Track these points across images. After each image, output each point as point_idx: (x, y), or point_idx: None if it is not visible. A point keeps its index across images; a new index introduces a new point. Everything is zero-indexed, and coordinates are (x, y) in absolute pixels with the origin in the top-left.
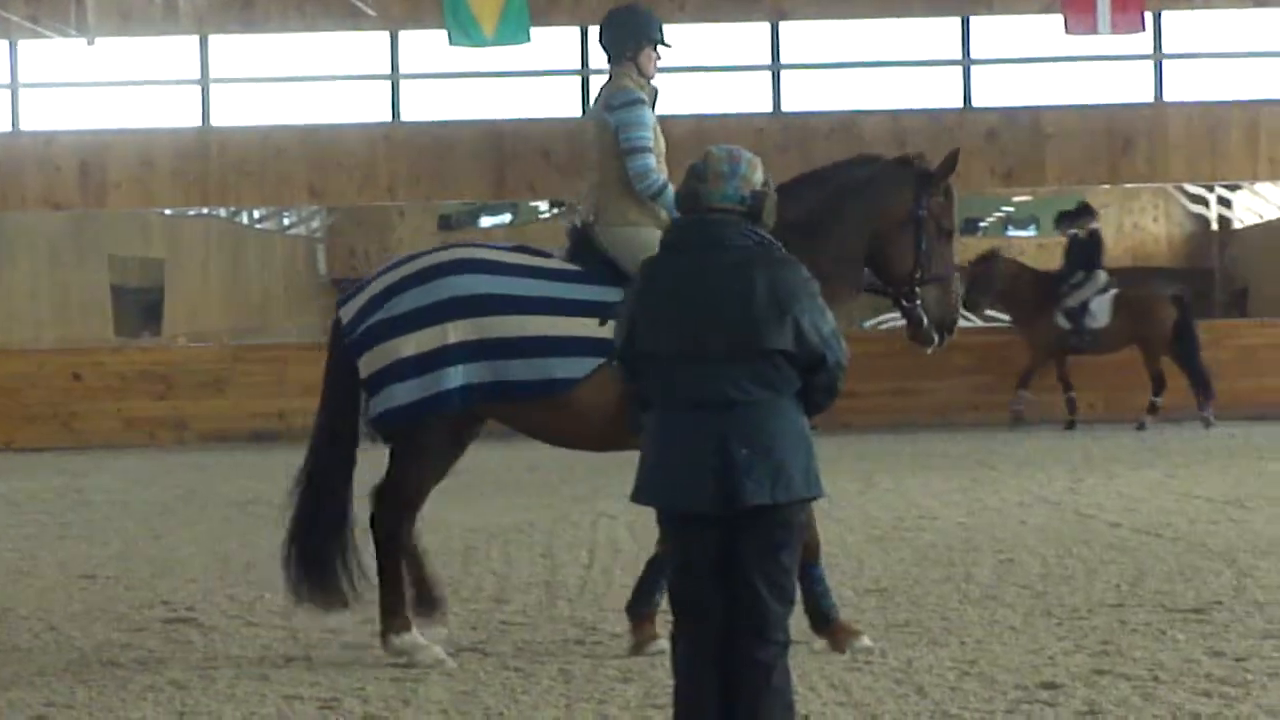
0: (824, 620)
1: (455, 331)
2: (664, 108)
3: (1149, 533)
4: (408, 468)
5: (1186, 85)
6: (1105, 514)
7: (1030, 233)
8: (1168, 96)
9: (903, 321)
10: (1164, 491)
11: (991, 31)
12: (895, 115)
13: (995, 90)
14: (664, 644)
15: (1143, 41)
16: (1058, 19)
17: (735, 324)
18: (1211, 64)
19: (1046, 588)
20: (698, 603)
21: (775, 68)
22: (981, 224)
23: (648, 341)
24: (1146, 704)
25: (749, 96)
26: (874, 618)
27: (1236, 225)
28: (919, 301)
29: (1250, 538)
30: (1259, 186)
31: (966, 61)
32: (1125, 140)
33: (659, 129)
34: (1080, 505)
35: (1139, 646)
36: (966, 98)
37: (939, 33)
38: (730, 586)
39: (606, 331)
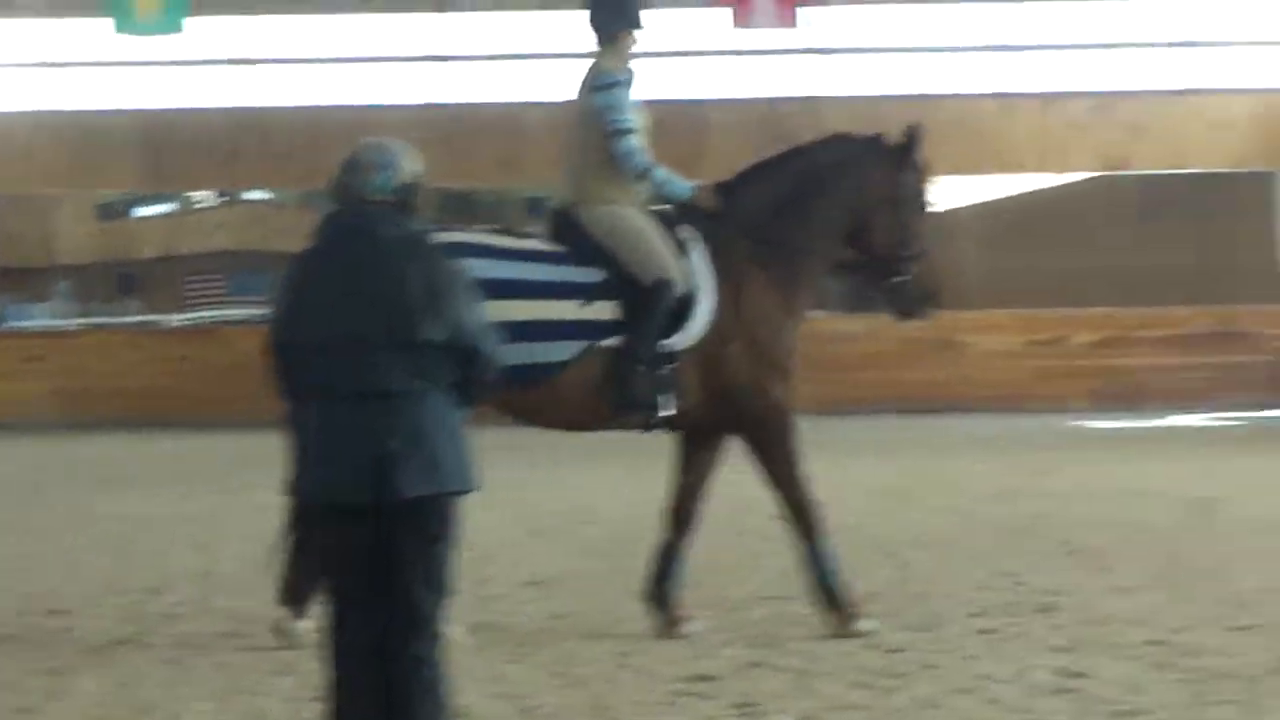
0: (831, 599)
1: None
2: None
3: None
4: None
5: (844, 80)
6: (765, 505)
7: None
8: (824, 91)
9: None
10: (824, 483)
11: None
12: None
13: (658, 84)
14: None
15: (800, 36)
16: (725, 12)
17: (388, 315)
18: (867, 59)
19: (705, 579)
20: (354, 595)
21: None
22: None
23: (302, 333)
24: (801, 695)
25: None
26: (533, 610)
27: None
28: (906, 277)
29: (908, 529)
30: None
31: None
32: (780, 135)
33: (641, 108)
34: (739, 496)
35: (795, 638)
36: None
37: None
38: (386, 579)
39: (590, 313)
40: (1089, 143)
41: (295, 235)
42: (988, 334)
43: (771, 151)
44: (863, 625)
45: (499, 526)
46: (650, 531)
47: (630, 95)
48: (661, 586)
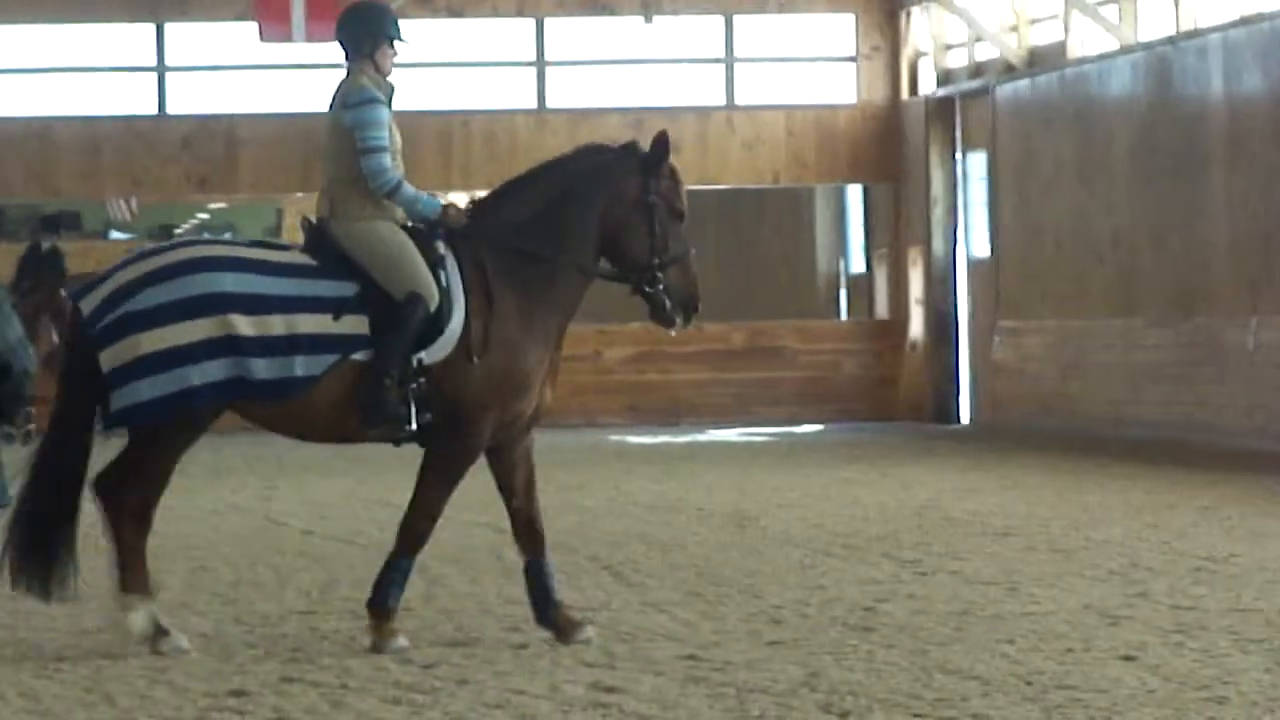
0: (382, 608)
1: (199, 329)
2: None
3: (341, 540)
4: (150, 455)
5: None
6: (297, 521)
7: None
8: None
9: None
10: (355, 499)
11: (187, 38)
12: (89, 121)
13: (190, 97)
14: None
15: (337, 51)
16: (253, 26)
17: None
18: (407, 74)
19: (238, 595)
20: None
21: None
22: (177, 231)
23: None
24: (335, 711)
25: None
26: (64, 625)
27: None
28: (661, 285)
29: (440, 545)
30: (452, 196)
31: (161, 68)
32: (320, 149)
33: (395, 126)
34: (273, 512)
35: (329, 654)
36: (161, 104)
37: (133, 38)
38: None
39: (341, 326)
40: None
41: None
42: None
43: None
44: (398, 642)
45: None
46: (182, 548)
47: (384, 112)
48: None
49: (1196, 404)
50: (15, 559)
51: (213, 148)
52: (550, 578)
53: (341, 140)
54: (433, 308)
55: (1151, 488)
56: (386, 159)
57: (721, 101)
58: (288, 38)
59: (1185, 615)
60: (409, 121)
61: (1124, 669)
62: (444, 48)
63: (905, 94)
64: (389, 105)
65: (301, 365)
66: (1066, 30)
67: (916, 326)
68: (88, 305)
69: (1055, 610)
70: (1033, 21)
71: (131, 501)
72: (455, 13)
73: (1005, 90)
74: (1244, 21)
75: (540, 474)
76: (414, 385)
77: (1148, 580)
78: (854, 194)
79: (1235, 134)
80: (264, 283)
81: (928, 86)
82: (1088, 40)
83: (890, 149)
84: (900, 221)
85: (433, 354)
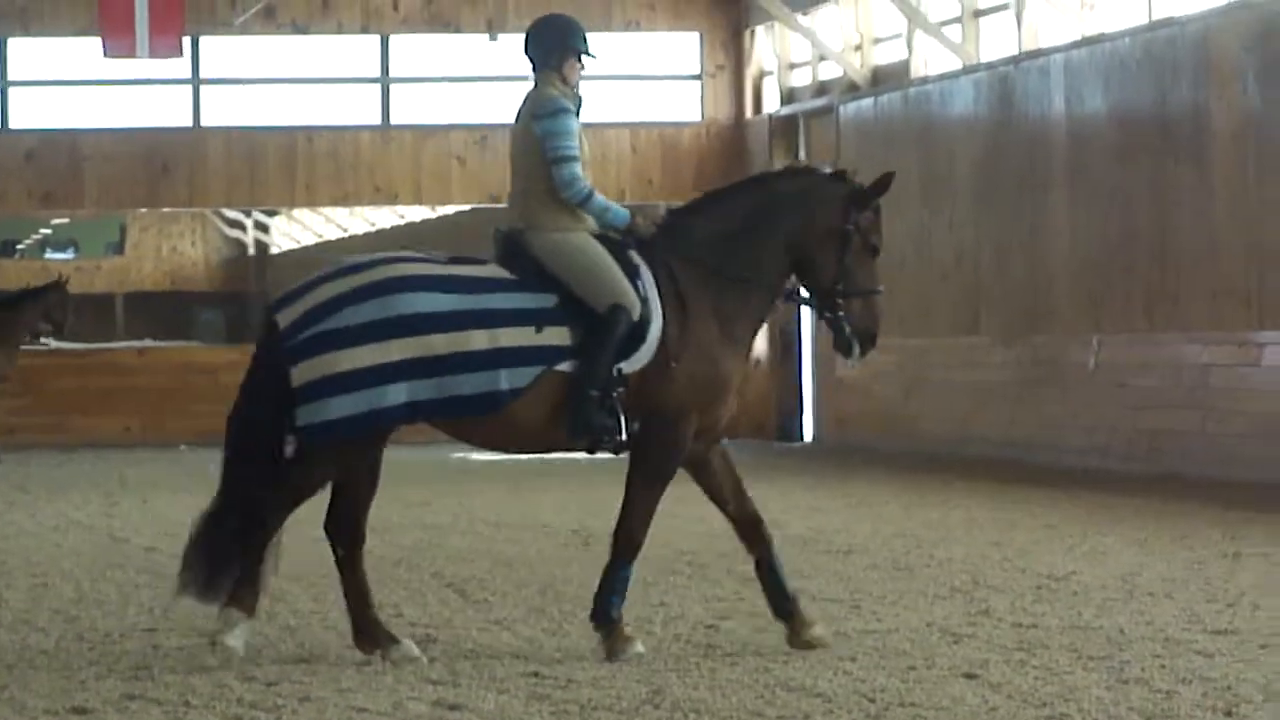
0: (607, 619)
1: (397, 349)
2: None
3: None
4: (317, 471)
5: (226, 110)
6: (140, 538)
7: (68, 255)
8: (206, 121)
9: None
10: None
11: (29, 52)
12: None
13: (33, 112)
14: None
15: (182, 66)
16: (96, 41)
17: None
18: (251, 90)
19: (80, 612)
20: None
21: None
22: (20, 246)
23: None
24: None
25: None
26: None
27: (274, 250)
28: (842, 313)
29: (283, 561)
30: (297, 213)
31: (4, 82)
32: (164, 164)
33: (584, 136)
34: (115, 529)
35: (171, 671)
36: (4, 119)
37: None
38: None
39: (544, 338)
40: (468, 175)
41: None
42: None
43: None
44: (635, 647)
45: None
46: (23, 564)
47: (575, 122)
48: (781, 602)
49: (1038, 423)
50: (201, 570)
51: (56, 162)
52: (782, 572)
53: (532, 151)
54: (635, 317)
55: (994, 506)
56: (578, 168)
57: None
58: (131, 53)
59: (1027, 633)
60: (252, 137)
61: (966, 686)
62: (289, 63)
63: (750, 112)
64: (577, 115)
65: (506, 378)
66: (910, 49)
67: (760, 344)
68: (285, 319)
69: (898, 628)
70: (876, 41)
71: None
72: (300, 29)
73: (849, 109)
74: (1086, 42)
75: (385, 491)
76: (616, 394)
77: (990, 598)
78: None
79: (1077, 154)
80: (464, 300)
81: (772, 105)
82: (931, 60)
83: (735, 167)
84: None
85: (632, 363)
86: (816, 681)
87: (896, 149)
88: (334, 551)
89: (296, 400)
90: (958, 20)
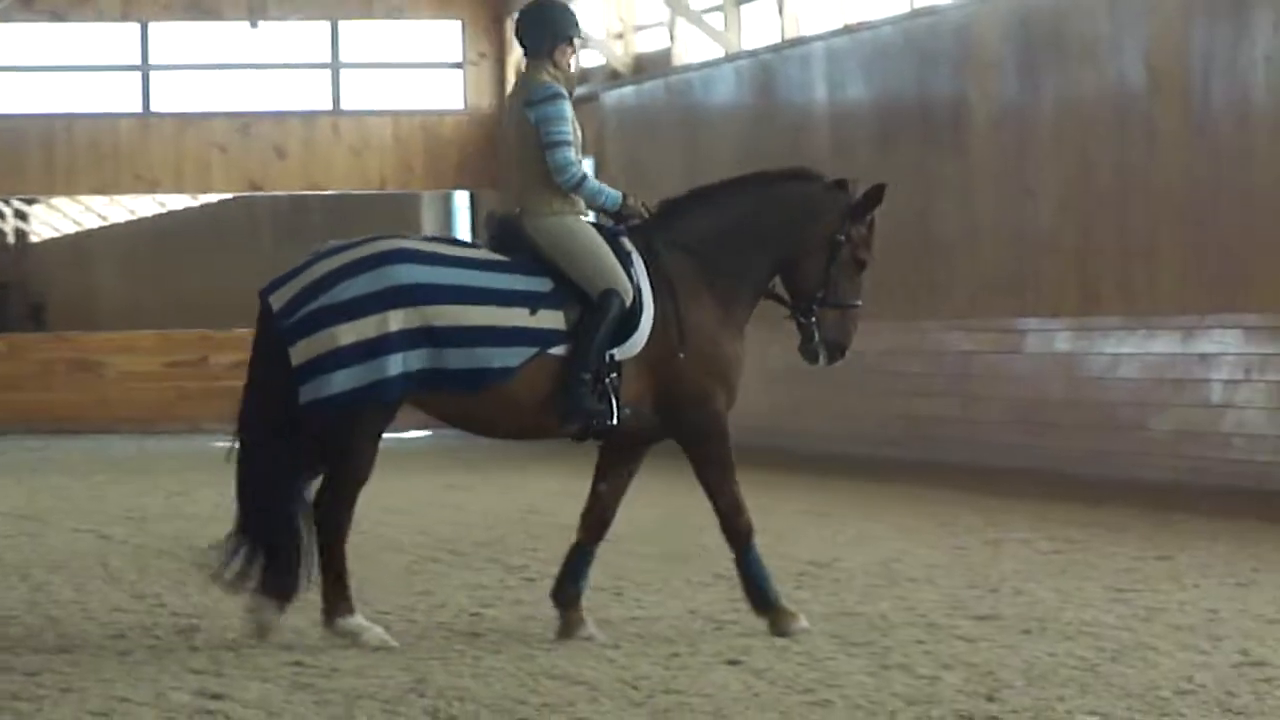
0: (765, 603)
1: (396, 320)
2: None
3: None
4: (346, 455)
5: None
6: None
7: None
8: None
9: None
10: None
11: None
12: None
13: None
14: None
15: None
16: None
17: None
18: (9, 78)
19: None
20: None
21: None
22: None
23: None
24: None
25: None
26: None
27: (34, 239)
28: (814, 319)
29: (44, 552)
30: (57, 201)
31: None
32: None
33: (576, 120)
34: None
35: None
36: None
37: None
38: None
39: (538, 321)
40: (230, 163)
41: None
42: (126, 355)
43: None
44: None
45: None
46: None
47: (567, 107)
48: (569, 587)
49: (802, 409)
50: (242, 562)
51: None
52: (589, 569)
53: (526, 136)
54: (628, 303)
55: (756, 492)
56: (571, 152)
57: (328, 106)
58: None
59: None
60: (11, 125)
61: (729, 673)
62: (47, 50)
63: None
64: (569, 100)
65: (499, 357)
66: (672, 37)
67: None
68: (279, 300)
69: (661, 615)
70: (638, 28)
71: None
72: (59, 16)
73: (611, 97)
74: (847, 30)
75: (144, 481)
76: (609, 380)
77: (745, 596)
78: (461, 200)
79: (838, 141)
80: (460, 275)
81: None
82: (693, 47)
83: (497, 155)
84: None
85: (625, 349)
86: (580, 669)
87: (659, 137)
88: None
89: (297, 379)
90: (719, 8)
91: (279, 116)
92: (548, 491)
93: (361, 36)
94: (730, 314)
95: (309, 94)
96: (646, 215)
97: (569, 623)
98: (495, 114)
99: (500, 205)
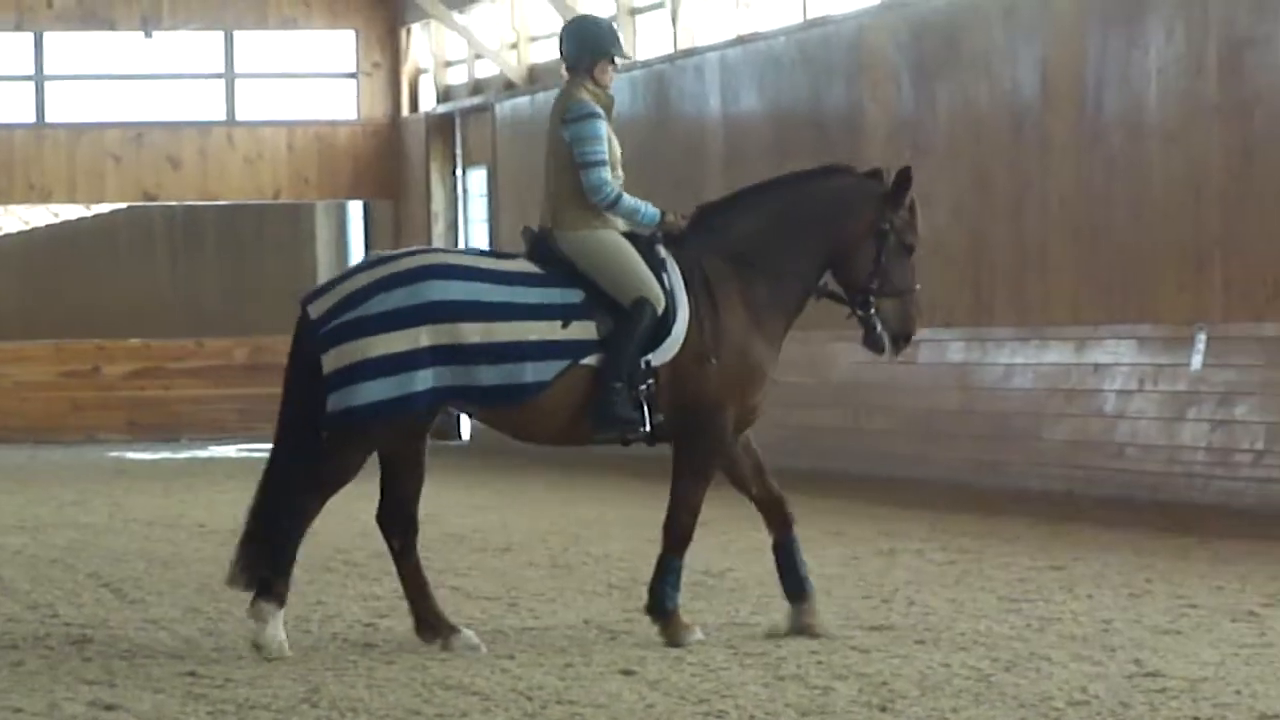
0: (663, 610)
1: (428, 336)
2: None
3: None
4: (347, 457)
5: None
6: None
7: None
8: None
9: None
10: None
11: None
12: None
13: None
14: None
15: None
16: None
17: None
18: None
19: None
20: None
21: None
22: None
23: None
24: None
25: None
26: None
27: None
28: (874, 311)
29: None
30: None
31: None
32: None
33: (613, 137)
34: None
35: None
36: None
37: None
38: None
39: (570, 333)
40: (123, 173)
41: None
42: (21, 364)
43: None
44: (695, 635)
45: None
46: None
47: (603, 126)
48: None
49: None
50: (245, 559)
51: None
52: (799, 556)
53: (561, 154)
54: (659, 310)
55: (649, 503)
56: (605, 172)
57: (222, 116)
58: None
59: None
60: None
61: (623, 683)
62: None
63: (406, 110)
64: (608, 118)
65: (531, 371)
66: None
67: None
68: (316, 310)
69: (555, 625)
70: (533, 39)
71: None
72: None
73: (505, 107)
74: (740, 41)
75: (37, 490)
76: (643, 387)
77: (647, 595)
78: (355, 210)
79: (732, 151)
80: (493, 291)
81: (429, 103)
82: None
83: (391, 165)
84: (401, 237)
85: (659, 356)
86: (474, 680)
87: None
88: (389, 544)
89: (327, 387)
90: (613, 19)
91: (173, 126)
92: (447, 503)
93: (256, 46)
94: (766, 320)
95: (203, 104)
96: (685, 227)
97: (799, 615)
98: (390, 124)
99: (395, 214)
